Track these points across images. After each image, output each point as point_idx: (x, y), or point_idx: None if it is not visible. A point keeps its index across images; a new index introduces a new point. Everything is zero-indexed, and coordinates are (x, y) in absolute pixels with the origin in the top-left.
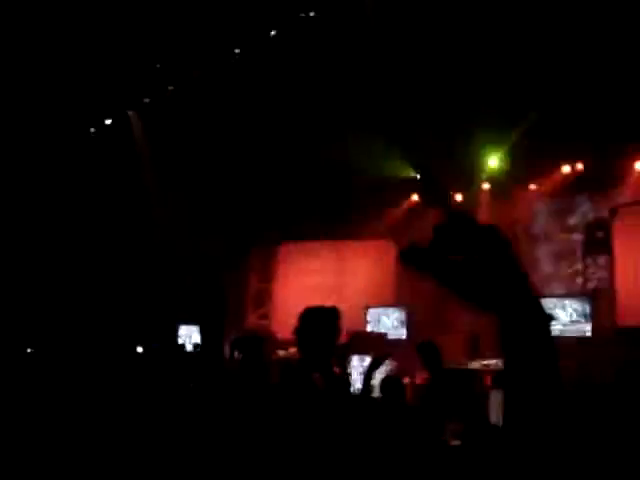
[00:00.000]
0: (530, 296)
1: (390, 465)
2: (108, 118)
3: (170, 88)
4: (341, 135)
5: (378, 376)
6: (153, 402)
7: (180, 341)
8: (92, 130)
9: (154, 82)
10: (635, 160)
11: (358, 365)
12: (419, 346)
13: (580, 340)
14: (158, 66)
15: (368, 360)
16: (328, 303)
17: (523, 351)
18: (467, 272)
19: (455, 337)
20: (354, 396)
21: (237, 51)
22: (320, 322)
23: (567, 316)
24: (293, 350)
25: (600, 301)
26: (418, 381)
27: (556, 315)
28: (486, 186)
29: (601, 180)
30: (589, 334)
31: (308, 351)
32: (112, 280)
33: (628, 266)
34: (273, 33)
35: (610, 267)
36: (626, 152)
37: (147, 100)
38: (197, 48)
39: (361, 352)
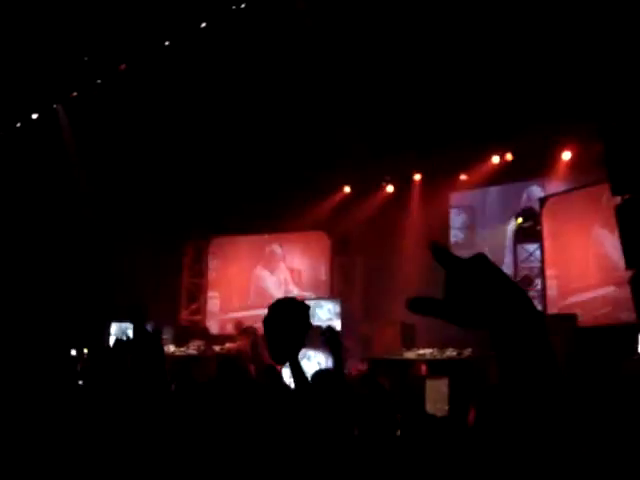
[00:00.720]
0: (532, 311)
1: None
2: (34, 112)
3: (98, 82)
4: (271, 127)
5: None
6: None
7: (112, 339)
8: (18, 125)
9: (81, 76)
10: (563, 149)
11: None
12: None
13: None
14: (86, 59)
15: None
16: (261, 296)
17: (527, 366)
18: (470, 300)
19: (390, 327)
20: (290, 389)
21: (167, 43)
22: (293, 314)
23: None
24: (229, 345)
25: (531, 288)
26: (354, 372)
27: None
28: (417, 177)
29: (530, 169)
30: None
31: (277, 342)
32: (39, 278)
33: (557, 254)
34: (203, 25)
35: (540, 255)
36: (554, 141)
37: (75, 94)
38: (126, 40)
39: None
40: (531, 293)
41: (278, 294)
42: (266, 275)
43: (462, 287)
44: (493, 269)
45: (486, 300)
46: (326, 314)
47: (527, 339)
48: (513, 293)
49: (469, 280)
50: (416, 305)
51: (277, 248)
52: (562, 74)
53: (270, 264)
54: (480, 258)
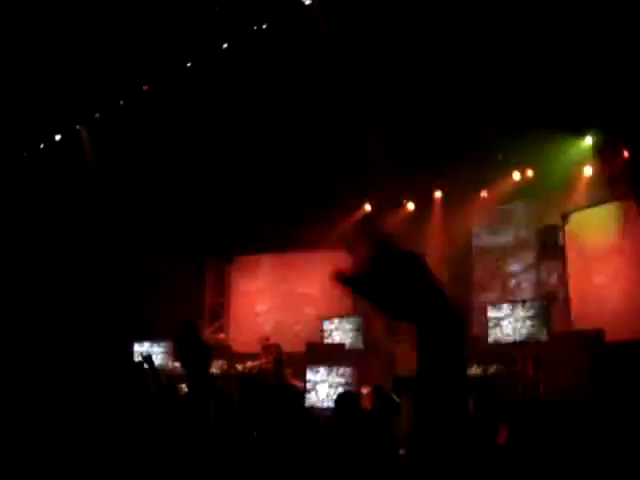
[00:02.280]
0: (445, 309)
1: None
2: (58, 133)
3: (121, 102)
4: (293, 146)
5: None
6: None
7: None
8: (42, 146)
9: (104, 97)
10: (584, 165)
11: (313, 377)
12: None
13: (537, 344)
14: (108, 81)
15: (322, 371)
16: (283, 315)
17: (436, 358)
18: (392, 292)
19: (414, 345)
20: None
21: (189, 65)
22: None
23: (524, 320)
24: (250, 364)
25: (555, 306)
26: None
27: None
28: (438, 194)
29: (551, 186)
30: (545, 338)
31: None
32: (63, 298)
33: (580, 270)
34: (225, 46)
35: (563, 272)
36: (575, 157)
37: (97, 115)
38: (148, 62)
39: (318, 363)
40: (556, 309)
41: (299, 313)
42: (288, 294)
43: (390, 280)
44: (425, 271)
45: (415, 300)
46: (348, 332)
47: (444, 343)
48: (439, 298)
49: (400, 276)
50: (347, 281)
51: (298, 266)
52: (585, 89)
53: (291, 282)
54: (413, 257)
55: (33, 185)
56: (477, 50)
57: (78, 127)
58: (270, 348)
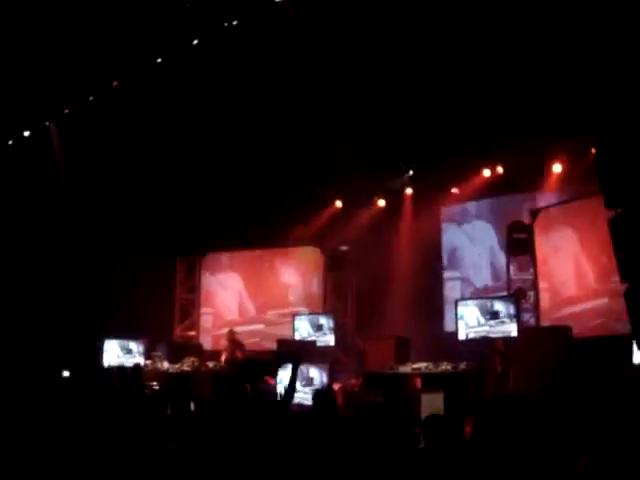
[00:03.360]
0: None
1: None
2: (27, 130)
3: (90, 99)
4: (263, 143)
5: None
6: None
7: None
8: (10, 142)
9: (74, 93)
10: (553, 162)
11: (283, 374)
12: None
13: (506, 340)
14: (78, 76)
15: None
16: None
17: None
18: None
19: (384, 342)
20: (279, 403)
21: (159, 60)
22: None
23: (493, 316)
24: (222, 361)
25: (524, 301)
26: (349, 387)
27: None
28: (409, 191)
29: (521, 182)
30: (515, 334)
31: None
32: (32, 295)
33: (549, 267)
34: (195, 42)
35: (532, 268)
36: (545, 154)
37: (66, 111)
38: (118, 58)
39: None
40: (525, 305)
41: (270, 309)
42: (259, 290)
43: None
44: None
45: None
46: (320, 329)
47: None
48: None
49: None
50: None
51: (270, 263)
52: (553, 86)
53: (263, 279)
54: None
55: (1, 181)
56: (449, 45)
57: (47, 123)
58: (234, 342)
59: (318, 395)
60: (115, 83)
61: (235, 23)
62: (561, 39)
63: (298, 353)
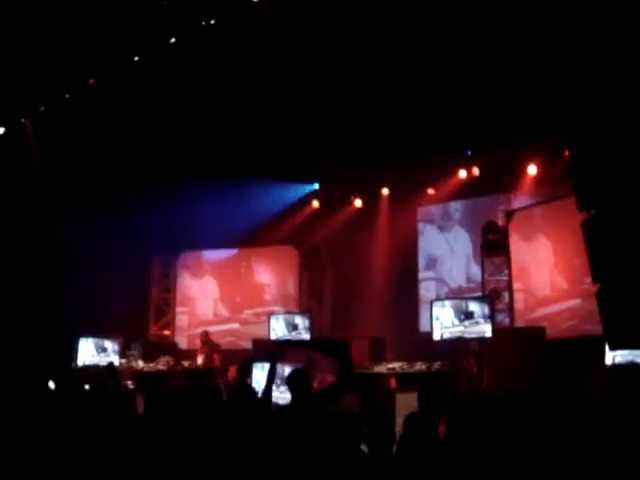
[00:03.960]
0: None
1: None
2: (1, 126)
3: (67, 96)
4: (240, 142)
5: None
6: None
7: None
8: None
9: (50, 90)
10: (528, 164)
11: (259, 373)
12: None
13: (480, 340)
14: (53, 74)
15: (267, 367)
16: (230, 311)
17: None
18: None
19: (359, 341)
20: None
21: (136, 58)
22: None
23: (468, 316)
24: (198, 360)
25: (499, 301)
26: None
27: None
28: (385, 191)
29: (496, 184)
30: (489, 334)
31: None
32: (4, 294)
33: (523, 268)
34: (173, 40)
35: (506, 269)
36: (520, 156)
37: (42, 108)
38: (95, 55)
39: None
40: (499, 306)
41: (245, 308)
42: (235, 290)
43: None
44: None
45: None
46: (296, 328)
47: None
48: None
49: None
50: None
51: (246, 262)
52: (528, 88)
53: (239, 278)
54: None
55: None
56: (427, 47)
57: (23, 120)
58: (208, 344)
59: (294, 375)
60: (91, 81)
61: (213, 22)
62: (535, 42)
63: (274, 352)
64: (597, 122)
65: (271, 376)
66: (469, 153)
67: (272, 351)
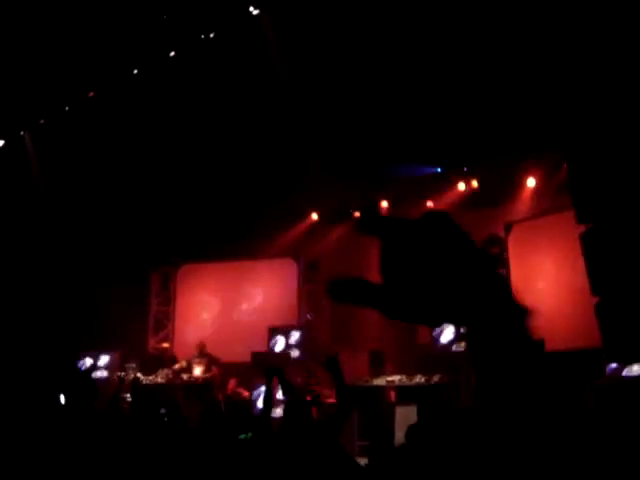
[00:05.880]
0: (510, 304)
1: None
2: (1, 139)
3: (66, 109)
4: (238, 155)
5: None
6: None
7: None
8: None
9: (49, 103)
10: (527, 177)
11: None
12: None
13: None
14: (53, 86)
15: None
16: (229, 324)
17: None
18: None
19: (358, 354)
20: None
21: (135, 72)
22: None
23: (464, 330)
24: (197, 374)
25: None
26: (329, 400)
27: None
28: (385, 204)
29: (495, 196)
30: None
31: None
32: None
33: (522, 280)
34: (172, 54)
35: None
36: (519, 169)
37: (42, 121)
38: (95, 68)
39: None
40: None
41: (244, 321)
42: (235, 302)
43: (407, 271)
44: (456, 239)
45: (450, 292)
46: (294, 342)
47: (506, 342)
48: (485, 282)
49: (419, 261)
50: (340, 290)
51: (246, 275)
52: (526, 101)
53: (237, 291)
54: (440, 218)
55: None
56: (423, 59)
57: (22, 133)
58: (206, 355)
59: (290, 405)
60: (91, 93)
61: (212, 35)
62: (535, 55)
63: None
64: (594, 137)
65: (268, 400)
66: (465, 169)
67: (268, 376)
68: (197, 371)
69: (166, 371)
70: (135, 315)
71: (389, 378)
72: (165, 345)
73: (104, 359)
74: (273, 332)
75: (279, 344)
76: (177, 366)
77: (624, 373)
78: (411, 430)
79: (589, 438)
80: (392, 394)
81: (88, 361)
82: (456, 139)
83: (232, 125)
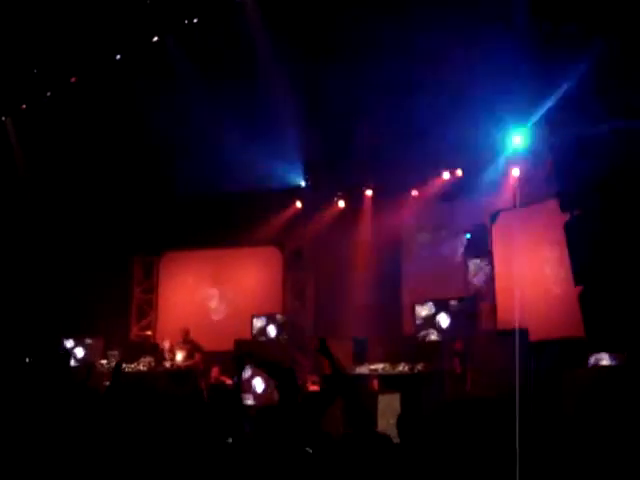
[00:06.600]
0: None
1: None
2: None
3: (48, 94)
4: (222, 143)
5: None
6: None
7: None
8: None
9: (31, 88)
10: (512, 166)
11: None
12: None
13: (464, 342)
14: (35, 72)
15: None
16: (212, 312)
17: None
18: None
19: (341, 342)
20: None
21: (118, 57)
22: None
23: (451, 318)
24: (179, 359)
25: (482, 303)
26: (312, 387)
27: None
28: (369, 192)
29: (480, 185)
30: (473, 335)
31: None
32: None
33: (506, 270)
34: (155, 39)
35: (490, 271)
36: (503, 157)
37: (23, 106)
38: (77, 53)
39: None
40: (483, 307)
41: (228, 309)
42: (218, 290)
43: None
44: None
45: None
46: (277, 330)
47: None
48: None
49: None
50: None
51: (229, 263)
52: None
53: (221, 279)
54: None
55: None
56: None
57: (4, 118)
58: (190, 342)
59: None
60: (73, 79)
61: (195, 21)
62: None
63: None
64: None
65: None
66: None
67: (238, 362)
68: (179, 356)
69: (148, 359)
70: (118, 303)
71: (372, 366)
72: (148, 333)
73: (85, 345)
74: (256, 320)
75: (262, 331)
76: (161, 347)
77: (590, 361)
78: (401, 420)
79: (569, 426)
80: (375, 382)
81: (68, 345)
82: (441, 127)
83: (214, 111)
